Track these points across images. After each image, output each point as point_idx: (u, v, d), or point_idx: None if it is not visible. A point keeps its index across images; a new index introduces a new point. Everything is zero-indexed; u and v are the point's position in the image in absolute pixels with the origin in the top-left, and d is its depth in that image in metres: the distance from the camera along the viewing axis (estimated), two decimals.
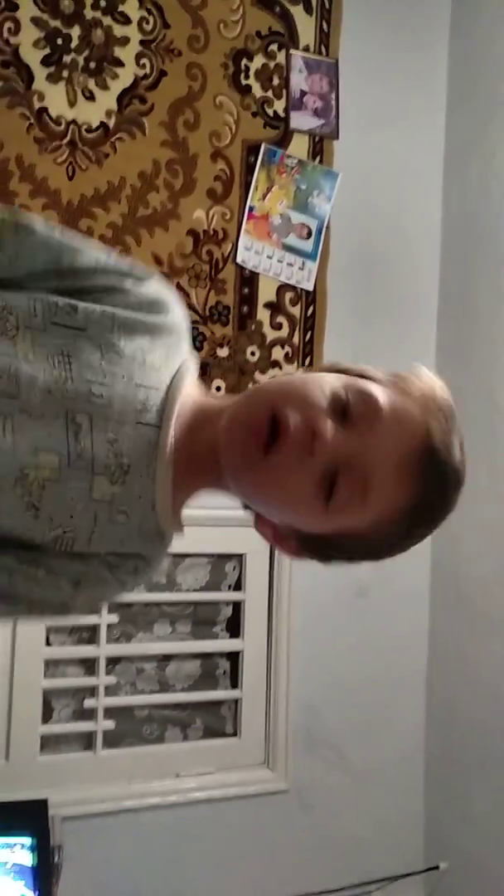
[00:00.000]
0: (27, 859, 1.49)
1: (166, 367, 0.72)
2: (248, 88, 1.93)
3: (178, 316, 0.75)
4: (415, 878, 2.00)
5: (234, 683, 1.98)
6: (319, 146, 2.00)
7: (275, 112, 1.96)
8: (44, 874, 1.48)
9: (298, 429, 0.64)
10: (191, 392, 0.72)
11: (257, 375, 1.94)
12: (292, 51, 1.97)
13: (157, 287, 0.74)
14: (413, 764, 2.08)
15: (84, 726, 1.83)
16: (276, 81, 1.96)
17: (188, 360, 0.74)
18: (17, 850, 1.49)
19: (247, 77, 1.93)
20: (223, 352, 1.91)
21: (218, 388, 1.89)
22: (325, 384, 0.67)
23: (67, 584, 0.68)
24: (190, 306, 1.86)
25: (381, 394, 0.68)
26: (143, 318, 0.71)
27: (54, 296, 0.69)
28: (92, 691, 1.83)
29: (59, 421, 0.66)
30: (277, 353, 1.96)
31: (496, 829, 1.84)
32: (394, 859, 2.00)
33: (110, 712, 1.85)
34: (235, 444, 0.66)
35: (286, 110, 1.96)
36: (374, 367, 0.73)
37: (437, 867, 1.99)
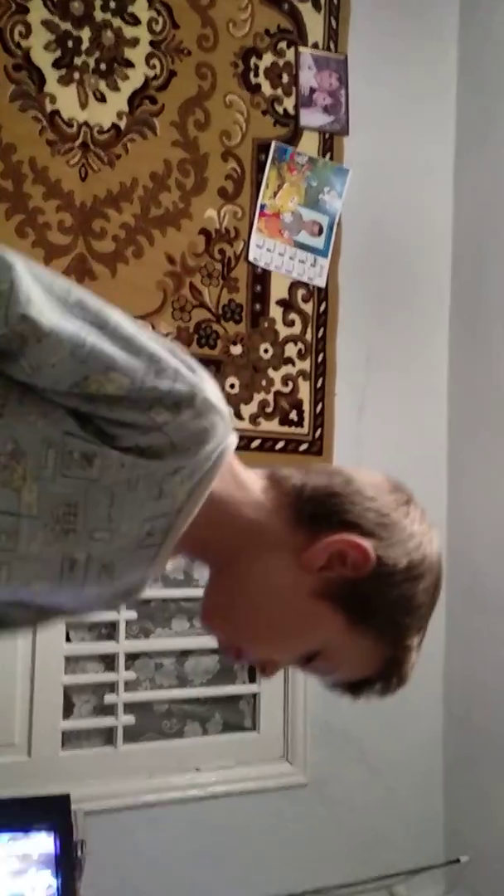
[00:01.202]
0: (50, 848, 1.51)
1: (189, 480, 0.65)
2: (258, 87, 1.94)
3: (217, 441, 0.65)
4: (436, 872, 2.01)
5: (253, 678, 1.99)
6: (330, 143, 2.00)
7: (284, 110, 1.97)
8: (67, 868, 1.50)
9: (253, 665, 0.80)
10: (223, 481, 0.69)
11: (270, 372, 1.95)
12: (301, 48, 1.98)
13: (193, 421, 0.63)
14: (432, 757, 2.08)
15: (104, 721, 1.85)
16: (285, 79, 1.97)
17: (222, 452, 0.67)
18: (41, 843, 1.51)
19: (256, 75, 1.94)
20: (236, 349, 1.92)
21: (232, 386, 1.90)
22: (302, 646, 0.76)
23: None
24: (203, 304, 1.88)
25: (348, 661, 0.78)
26: (170, 464, 0.64)
27: (71, 438, 0.63)
28: (112, 687, 1.86)
29: (55, 560, 0.66)
30: (290, 350, 1.97)
31: None
32: (414, 853, 2.00)
33: (130, 707, 1.87)
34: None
35: (296, 108, 1.97)
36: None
37: (457, 860, 1.99)
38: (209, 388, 0.65)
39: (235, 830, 1.87)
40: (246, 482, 0.74)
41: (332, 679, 0.79)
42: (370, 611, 0.73)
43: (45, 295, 0.61)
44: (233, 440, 0.68)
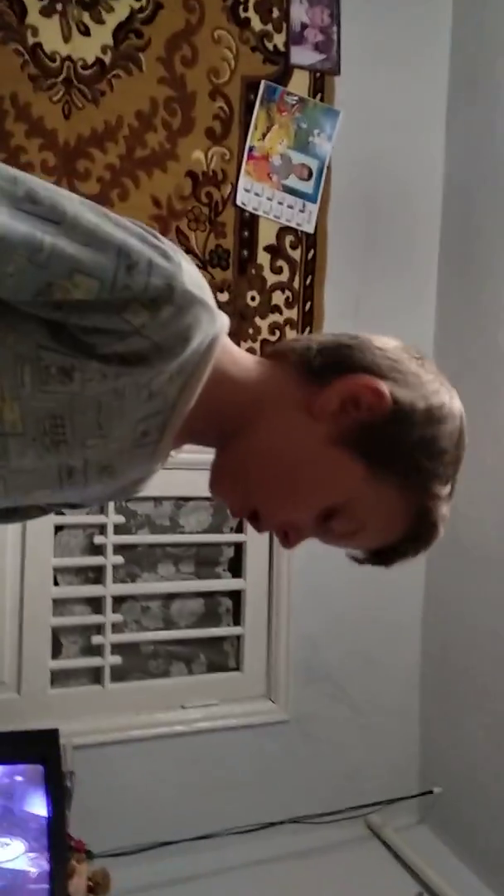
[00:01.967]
0: (40, 779, 1.57)
1: (178, 377, 0.62)
2: (247, 21, 1.88)
3: (203, 333, 0.61)
4: (409, 802, 2.10)
5: (237, 621, 2.04)
6: (321, 83, 1.95)
7: (274, 46, 1.91)
8: (56, 798, 1.56)
9: (271, 530, 0.72)
10: (219, 362, 0.66)
11: (257, 321, 1.94)
12: None
13: (178, 313, 0.58)
14: (409, 695, 2.16)
15: (92, 662, 1.89)
16: (275, 14, 1.90)
17: (216, 339, 0.64)
18: (32, 774, 1.57)
19: (245, 9, 1.87)
20: (223, 297, 1.90)
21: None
22: (319, 499, 0.69)
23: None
24: (190, 250, 1.85)
25: (370, 519, 0.70)
26: (156, 367, 0.59)
27: (46, 351, 0.58)
28: (99, 629, 1.90)
29: (51, 470, 0.65)
30: (278, 298, 1.96)
31: (488, 756, 1.92)
32: (390, 785, 2.10)
33: (117, 648, 1.91)
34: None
35: (286, 45, 1.91)
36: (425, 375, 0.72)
37: (430, 791, 2.09)
38: (188, 275, 0.58)
39: (219, 765, 1.95)
40: (244, 361, 0.70)
41: (360, 542, 0.72)
42: (390, 455, 0.66)
43: None
44: (222, 325, 0.64)
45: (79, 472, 0.65)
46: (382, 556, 0.74)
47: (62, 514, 1.80)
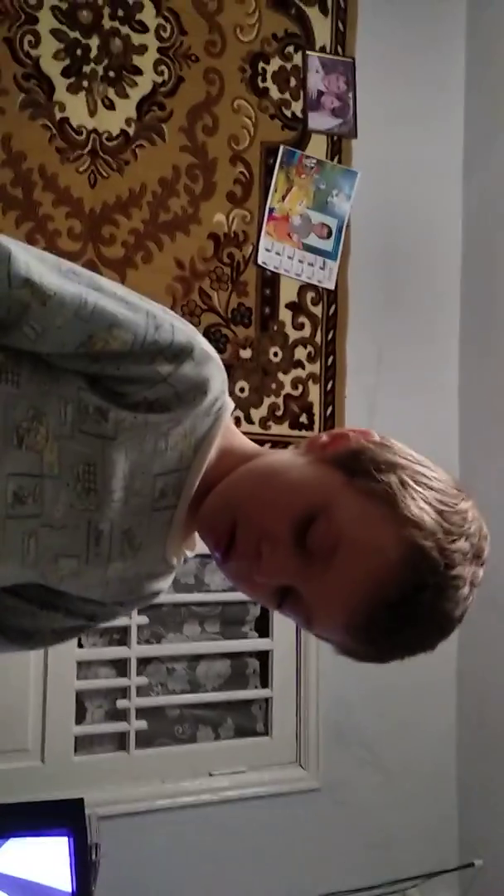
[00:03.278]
0: (65, 852, 1.52)
1: (191, 436, 0.68)
2: (266, 91, 1.94)
3: (215, 393, 0.68)
4: (450, 876, 2.00)
5: (264, 682, 1.99)
6: (338, 146, 2.00)
7: (292, 113, 1.97)
8: (82, 872, 1.50)
9: (245, 553, 0.65)
10: (223, 445, 0.71)
11: (280, 376, 1.95)
12: (308, 52, 1.98)
13: (194, 369, 0.66)
14: (445, 760, 2.07)
15: (117, 727, 1.85)
16: (293, 83, 1.97)
17: (221, 416, 0.70)
18: (56, 847, 1.52)
19: (264, 80, 1.94)
20: (246, 353, 1.92)
21: (241, 390, 1.91)
22: (295, 503, 0.64)
23: (84, 619, 0.77)
24: (212, 309, 1.88)
25: (352, 526, 0.62)
26: (176, 415, 0.66)
27: (86, 393, 0.65)
28: (124, 692, 1.86)
29: (80, 530, 0.68)
30: (300, 353, 1.97)
31: None
32: (428, 857, 2.00)
33: (142, 712, 1.87)
34: (206, 541, 0.71)
35: (304, 111, 1.97)
36: (418, 471, 0.66)
37: (471, 864, 1.98)
38: (202, 339, 0.68)
39: (248, 835, 1.87)
40: (248, 442, 0.75)
41: (342, 577, 0.63)
42: (370, 470, 0.64)
43: (40, 263, 0.63)
44: (230, 402, 0.71)
45: (105, 539, 0.68)
46: (374, 632, 0.63)
47: (81, 645, 1.80)
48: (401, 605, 0.62)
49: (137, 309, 0.65)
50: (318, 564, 0.63)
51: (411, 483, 0.64)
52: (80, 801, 1.56)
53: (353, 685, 1.98)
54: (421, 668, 2.22)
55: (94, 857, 1.57)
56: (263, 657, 2.00)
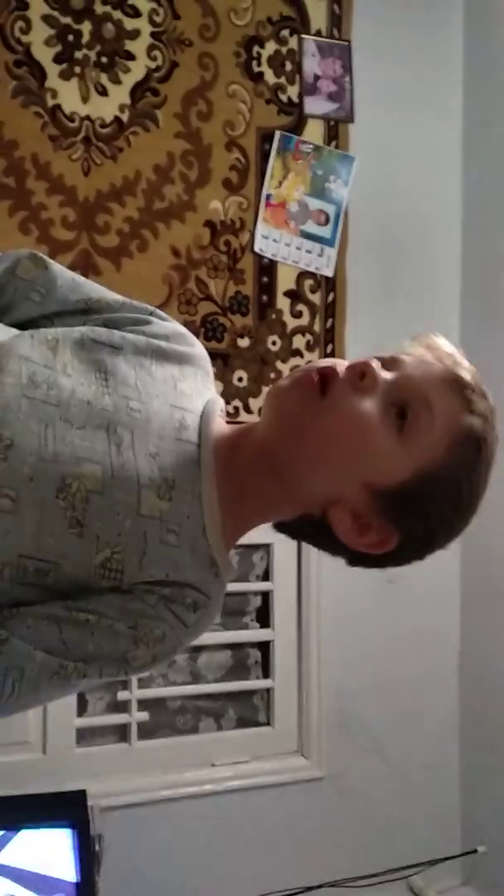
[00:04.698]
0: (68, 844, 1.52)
1: (197, 395, 0.74)
2: (261, 75, 1.92)
3: (201, 352, 0.78)
4: (453, 863, 2.00)
5: (266, 673, 1.99)
6: (335, 131, 1.98)
7: (288, 98, 1.94)
8: (85, 863, 1.50)
9: (347, 368, 0.67)
10: (219, 424, 0.74)
11: (279, 365, 1.94)
12: (304, 35, 1.95)
13: (180, 327, 0.79)
14: (448, 748, 2.07)
15: (118, 718, 1.85)
16: (288, 67, 1.94)
17: (215, 398, 0.76)
18: (59, 838, 1.52)
19: (259, 64, 1.91)
20: (244, 342, 1.90)
21: (240, 380, 1.89)
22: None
23: (124, 627, 0.63)
24: (209, 297, 1.86)
25: (409, 358, 0.71)
26: (172, 348, 0.75)
27: (90, 323, 0.75)
28: (125, 683, 1.85)
29: (100, 432, 0.65)
30: (299, 342, 1.96)
31: None
32: (431, 844, 2.00)
33: (144, 704, 1.87)
34: (290, 404, 0.66)
35: (300, 96, 1.95)
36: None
37: (474, 851, 1.99)
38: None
39: (251, 825, 1.87)
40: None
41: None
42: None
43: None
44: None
45: (127, 448, 0.66)
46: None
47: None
48: (467, 372, 0.70)
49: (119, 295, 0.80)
50: (407, 367, 0.70)
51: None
52: (83, 792, 1.56)
53: (354, 675, 1.97)
54: (423, 655, 2.22)
55: (97, 847, 1.57)
56: (265, 647, 1.99)
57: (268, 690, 1.98)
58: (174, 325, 0.78)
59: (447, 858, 1.99)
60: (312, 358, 1.96)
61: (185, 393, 0.73)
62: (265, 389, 1.92)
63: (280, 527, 0.75)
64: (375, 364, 0.68)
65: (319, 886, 1.86)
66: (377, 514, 0.67)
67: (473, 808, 2.05)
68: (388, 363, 0.70)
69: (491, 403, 0.71)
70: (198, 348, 0.78)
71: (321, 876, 1.87)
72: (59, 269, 0.78)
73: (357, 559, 0.71)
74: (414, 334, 0.74)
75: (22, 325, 0.75)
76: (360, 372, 0.67)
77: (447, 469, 0.66)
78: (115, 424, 0.66)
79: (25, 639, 0.61)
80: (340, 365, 0.68)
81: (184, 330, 0.79)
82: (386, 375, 0.68)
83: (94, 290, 0.79)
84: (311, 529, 0.71)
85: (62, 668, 0.62)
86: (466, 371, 0.70)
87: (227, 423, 0.76)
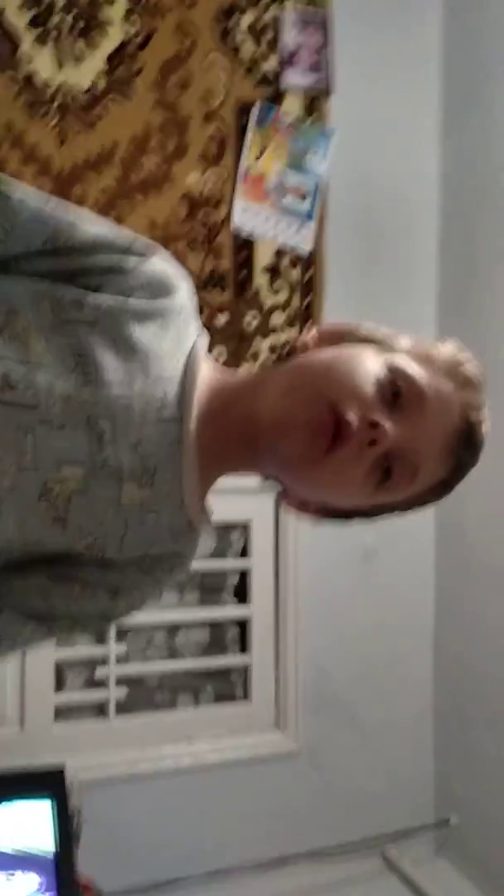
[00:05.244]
0: (47, 818, 1.52)
1: (179, 351, 0.69)
2: (240, 46, 1.88)
3: (185, 294, 0.71)
4: (426, 833, 2.04)
5: (243, 649, 1.99)
6: (314, 104, 1.95)
7: (268, 70, 1.91)
8: (64, 837, 1.51)
9: (361, 428, 0.64)
10: (206, 373, 0.70)
11: (257, 341, 1.92)
12: (284, 2, 1.92)
13: (161, 264, 0.70)
14: (422, 720, 2.11)
15: (96, 695, 1.85)
16: (268, 37, 1.91)
17: (199, 340, 0.71)
18: (38, 812, 1.52)
19: (238, 34, 1.88)
20: (222, 318, 1.89)
21: (218, 356, 1.88)
22: (369, 368, 0.66)
23: (105, 594, 0.68)
24: (187, 272, 1.83)
25: (422, 376, 0.67)
26: (151, 304, 0.68)
27: (57, 286, 0.66)
28: (103, 660, 1.85)
29: (80, 430, 0.63)
30: (277, 319, 1.94)
31: None
32: (405, 815, 2.03)
33: (122, 681, 1.87)
34: (296, 443, 0.64)
35: (280, 66, 1.91)
36: (397, 333, 0.73)
37: (448, 821, 2.03)
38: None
39: (229, 798, 1.89)
40: (230, 371, 0.74)
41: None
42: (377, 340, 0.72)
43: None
44: (204, 331, 0.73)
45: (108, 443, 0.64)
46: (466, 446, 0.69)
47: None
48: (475, 428, 0.70)
49: (98, 219, 0.70)
50: (414, 420, 0.66)
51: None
52: (62, 767, 1.56)
53: (330, 650, 1.99)
54: (398, 631, 2.24)
55: (76, 822, 1.57)
56: (242, 624, 2.00)
57: (245, 667, 1.99)
58: (155, 266, 0.69)
59: (421, 828, 2.02)
60: (291, 335, 1.96)
61: (167, 354, 0.67)
62: (244, 366, 1.90)
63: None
64: (387, 435, 0.64)
65: (295, 856, 1.88)
66: (322, 514, 0.72)
67: (447, 779, 2.08)
68: (408, 404, 0.65)
69: (484, 440, 0.70)
70: (181, 292, 0.70)
71: (297, 847, 1.90)
72: (22, 197, 0.67)
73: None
74: (454, 344, 0.72)
75: None
76: (372, 440, 0.64)
77: (400, 506, 0.71)
78: (96, 417, 0.63)
79: (15, 607, 0.66)
80: (363, 413, 0.64)
81: (166, 269, 0.70)
82: (392, 433, 0.64)
83: (62, 223, 0.67)
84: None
85: (50, 631, 0.68)
86: (477, 425, 0.69)
87: (215, 363, 0.72)
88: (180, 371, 0.68)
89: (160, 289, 0.69)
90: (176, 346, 0.69)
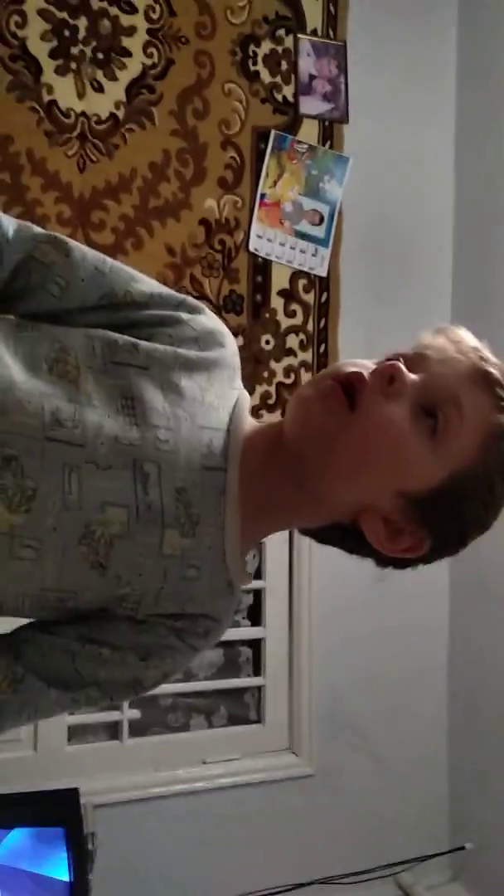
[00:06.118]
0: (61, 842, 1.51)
1: (223, 404, 0.69)
2: (257, 74, 1.92)
3: (231, 350, 0.73)
4: (441, 859, 2.02)
5: (257, 671, 1.99)
6: (329, 131, 1.98)
7: (284, 98, 1.94)
8: (78, 860, 1.50)
9: (374, 372, 0.64)
10: (249, 428, 0.70)
11: (272, 364, 1.94)
12: (300, 35, 1.95)
13: (210, 320, 0.73)
14: (437, 745, 2.09)
15: (110, 716, 1.85)
16: (284, 67, 1.94)
17: (242, 396, 0.72)
18: (52, 836, 1.51)
19: (255, 63, 1.91)
20: (238, 341, 1.90)
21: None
22: (367, 363, 0.67)
23: (135, 659, 0.65)
24: (204, 296, 1.86)
25: (417, 346, 0.70)
26: (199, 356, 0.69)
27: (111, 332, 0.67)
28: None
29: (126, 472, 0.62)
30: (292, 342, 1.96)
31: None
32: (420, 841, 2.01)
33: (135, 702, 1.86)
34: (319, 417, 0.64)
35: (295, 95, 1.95)
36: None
37: (463, 847, 2.00)
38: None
39: (242, 822, 1.88)
40: (270, 423, 0.73)
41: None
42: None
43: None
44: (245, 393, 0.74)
45: (153, 487, 0.63)
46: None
47: None
48: (493, 365, 0.69)
49: (151, 279, 0.73)
50: (433, 366, 0.67)
51: None
52: (75, 790, 1.56)
53: (344, 672, 1.98)
54: (413, 653, 2.23)
55: (89, 845, 1.57)
56: (256, 645, 2.00)
57: (259, 688, 1.99)
58: (204, 321, 0.72)
59: (436, 855, 2.00)
60: (306, 357, 1.97)
61: (212, 406, 0.68)
62: (259, 389, 1.92)
63: (306, 532, 0.73)
64: (402, 366, 0.65)
65: (310, 883, 1.87)
66: (410, 520, 0.66)
67: (462, 804, 2.06)
68: (413, 362, 0.66)
69: None
70: (228, 348, 0.73)
71: (311, 873, 1.88)
72: (80, 255, 0.69)
73: (388, 561, 0.70)
74: (437, 327, 0.71)
75: (37, 316, 0.69)
76: (389, 376, 0.64)
77: (479, 468, 0.65)
78: (142, 460, 0.63)
79: (39, 671, 0.64)
80: (366, 369, 0.65)
81: (215, 324, 0.73)
82: (413, 377, 0.65)
83: (119, 280, 0.70)
84: (339, 535, 0.69)
85: (74, 701, 0.66)
86: (494, 366, 0.68)
87: (257, 420, 0.73)
88: (225, 423, 0.68)
89: (208, 342, 0.71)
90: (221, 399, 0.69)
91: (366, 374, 0.64)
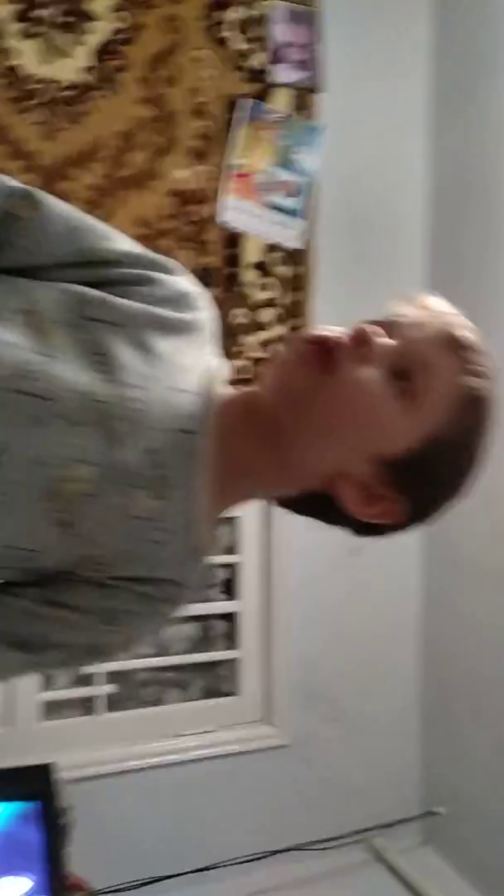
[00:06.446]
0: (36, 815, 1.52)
1: (198, 367, 0.68)
2: (228, 41, 1.87)
3: (207, 314, 0.72)
4: (413, 824, 2.06)
5: (232, 644, 2.00)
6: (303, 100, 1.95)
7: (257, 65, 1.90)
8: (53, 835, 1.51)
9: (347, 334, 0.65)
10: (223, 393, 0.69)
11: (245, 338, 1.92)
12: (273, 1, 1.91)
13: (186, 282, 0.72)
14: (409, 714, 2.13)
15: (84, 691, 1.85)
16: (257, 33, 1.90)
17: (220, 362, 0.71)
18: (27, 811, 1.52)
19: (226, 29, 1.87)
20: None
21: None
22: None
23: (99, 623, 0.64)
24: None
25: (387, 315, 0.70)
26: (176, 316, 0.68)
27: (85, 288, 0.66)
28: None
29: (95, 428, 0.61)
30: (266, 315, 1.94)
31: (492, 774, 1.89)
32: (392, 807, 2.06)
33: (110, 677, 1.87)
34: (294, 379, 0.64)
35: (268, 63, 1.91)
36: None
37: (434, 812, 2.05)
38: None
39: (217, 793, 1.90)
40: (245, 390, 0.73)
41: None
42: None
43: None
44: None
45: (124, 446, 0.62)
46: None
47: None
48: (464, 331, 0.69)
49: (126, 237, 0.71)
50: (404, 331, 0.68)
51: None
52: (50, 765, 1.56)
53: (318, 644, 2.00)
54: (386, 625, 2.25)
55: (65, 820, 1.57)
56: (230, 619, 2.01)
57: (233, 661, 2.00)
58: (179, 283, 0.70)
59: (407, 820, 2.05)
60: (280, 331, 1.96)
61: (186, 369, 0.67)
62: (232, 363, 1.90)
63: (282, 503, 0.72)
64: (374, 331, 0.65)
65: (284, 850, 1.90)
66: (385, 484, 0.66)
67: (433, 770, 2.11)
68: (386, 327, 0.67)
69: (491, 360, 0.68)
70: (203, 311, 0.72)
71: (286, 840, 1.92)
72: (51, 210, 0.68)
73: (364, 529, 0.69)
74: (408, 295, 0.72)
75: (10, 271, 0.67)
76: (361, 340, 0.64)
77: (452, 431, 0.65)
78: (112, 418, 0.62)
79: (0, 635, 0.62)
80: (340, 333, 0.65)
81: (190, 287, 0.71)
82: (385, 341, 0.65)
83: (93, 237, 0.68)
84: (314, 504, 0.69)
85: (35, 664, 0.64)
86: (464, 329, 0.68)
87: (232, 386, 0.71)
88: (199, 386, 0.67)
89: (182, 304, 0.70)
90: (195, 362, 0.68)
91: (341, 339, 0.65)
